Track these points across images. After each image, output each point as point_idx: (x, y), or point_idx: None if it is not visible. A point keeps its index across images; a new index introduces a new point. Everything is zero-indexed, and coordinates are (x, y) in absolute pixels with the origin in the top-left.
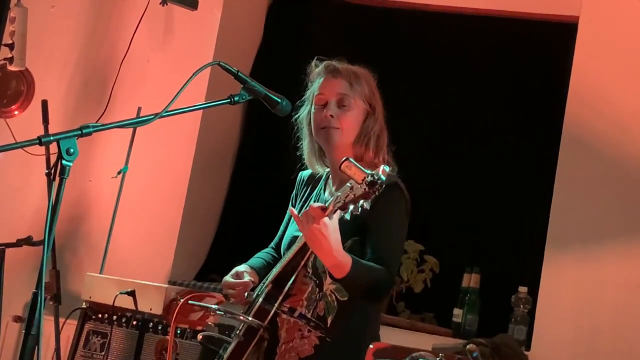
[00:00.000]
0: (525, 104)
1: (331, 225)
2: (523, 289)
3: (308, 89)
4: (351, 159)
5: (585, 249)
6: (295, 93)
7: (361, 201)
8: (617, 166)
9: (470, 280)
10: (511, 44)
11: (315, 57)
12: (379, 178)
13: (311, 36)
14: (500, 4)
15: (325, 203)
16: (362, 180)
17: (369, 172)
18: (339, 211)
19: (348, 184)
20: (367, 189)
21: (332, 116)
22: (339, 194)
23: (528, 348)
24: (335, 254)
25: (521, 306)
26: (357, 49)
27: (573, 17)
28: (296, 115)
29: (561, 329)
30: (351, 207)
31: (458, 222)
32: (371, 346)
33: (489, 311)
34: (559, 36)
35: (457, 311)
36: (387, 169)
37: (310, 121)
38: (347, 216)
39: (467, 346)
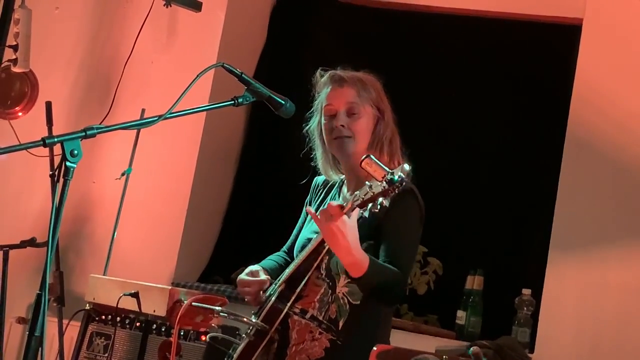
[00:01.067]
0: (529, 106)
1: (349, 223)
2: (527, 291)
3: (315, 100)
4: (372, 157)
5: (588, 252)
6: (299, 94)
7: (380, 199)
8: (621, 169)
9: (474, 282)
10: (515, 46)
11: (320, 68)
12: (400, 176)
13: (315, 38)
14: (503, 6)
15: None
16: (383, 177)
17: (389, 170)
18: (357, 210)
19: (367, 182)
20: (386, 187)
21: (342, 126)
22: (358, 192)
23: (532, 350)
24: (354, 252)
25: (525, 308)
26: (360, 51)
27: (577, 20)
28: (307, 127)
29: (564, 332)
30: (370, 204)
31: (461, 225)
32: (375, 348)
33: (492, 313)
34: (563, 38)
35: (460, 313)
36: (407, 167)
37: (321, 131)
38: (366, 214)
39: (471, 348)
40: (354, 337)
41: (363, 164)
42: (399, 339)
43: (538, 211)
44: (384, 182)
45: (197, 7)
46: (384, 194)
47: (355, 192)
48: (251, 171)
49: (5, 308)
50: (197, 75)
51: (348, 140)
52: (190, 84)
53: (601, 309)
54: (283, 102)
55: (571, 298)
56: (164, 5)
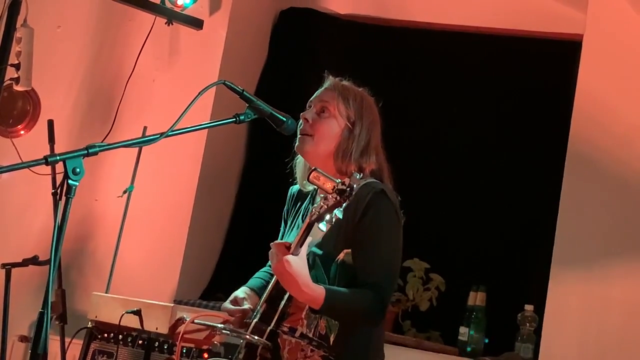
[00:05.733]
0: (530, 121)
1: (296, 261)
2: (529, 307)
3: None
4: (319, 170)
5: (591, 267)
6: (300, 111)
7: (334, 211)
8: (622, 183)
9: (476, 298)
10: (516, 62)
11: (325, 71)
12: (349, 185)
13: (316, 54)
14: (505, 22)
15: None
16: (332, 189)
17: (338, 180)
18: (307, 243)
19: (322, 195)
20: (338, 198)
21: (307, 120)
22: (315, 206)
23: None
24: (304, 288)
25: (527, 324)
26: (362, 67)
27: (577, 35)
28: None
29: (568, 347)
30: (327, 217)
31: (464, 241)
32: None
33: (495, 329)
34: (563, 54)
35: (463, 329)
36: (358, 175)
37: None
38: (323, 227)
39: None
40: (346, 352)
41: (310, 178)
42: (402, 356)
43: (540, 227)
44: (335, 194)
45: (199, 25)
46: (337, 205)
47: (312, 207)
48: (253, 188)
49: (8, 326)
50: (199, 93)
51: (306, 139)
52: (192, 101)
53: (604, 324)
54: (284, 119)
55: (574, 314)
56: (166, 24)
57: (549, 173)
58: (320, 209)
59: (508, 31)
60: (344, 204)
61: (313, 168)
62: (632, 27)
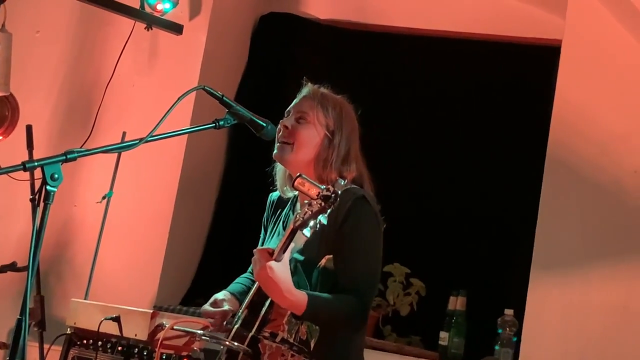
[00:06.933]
0: (509, 127)
1: (279, 268)
2: (509, 312)
3: None
4: (304, 176)
5: (570, 271)
6: (280, 117)
7: (319, 217)
8: (601, 189)
9: (457, 303)
10: (495, 67)
11: (304, 78)
12: (334, 191)
13: (296, 59)
14: (484, 28)
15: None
16: (317, 195)
17: (323, 186)
18: (290, 249)
19: (306, 201)
20: (322, 204)
21: (286, 127)
22: (299, 213)
23: None
24: (287, 294)
25: (507, 329)
26: (342, 72)
27: (556, 41)
28: None
29: (548, 352)
30: (311, 223)
31: (444, 246)
32: None
33: (475, 334)
34: (542, 60)
35: (443, 334)
36: (342, 182)
37: None
38: (307, 233)
39: None
40: (327, 357)
41: (295, 184)
42: None
43: (519, 231)
44: (320, 200)
45: (178, 30)
46: (321, 211)
47: (296, 212)
48: (233, 193)
49: None
50: (178, 99)
51: (286, 147)
52: (172, 107)
53: (584, 328)
54: (264, 124)
55: (554, 318)
56: (145, 29)
57: (528, 178)
58: (305, 215)
59: (488, 36)
60: (329, 210)
61: (298, 174)
62: (611, 33)
